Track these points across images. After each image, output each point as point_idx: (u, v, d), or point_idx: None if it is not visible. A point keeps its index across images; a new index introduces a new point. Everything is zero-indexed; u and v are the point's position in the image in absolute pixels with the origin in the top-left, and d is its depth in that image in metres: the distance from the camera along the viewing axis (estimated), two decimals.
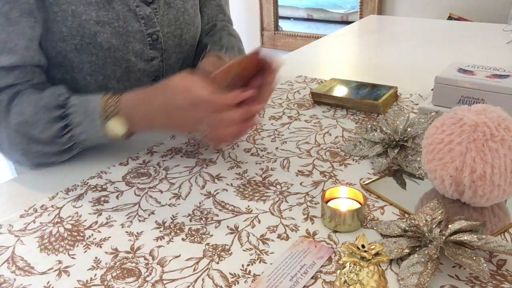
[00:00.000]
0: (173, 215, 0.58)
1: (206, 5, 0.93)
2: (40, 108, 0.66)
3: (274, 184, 0.64)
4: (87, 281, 0.48)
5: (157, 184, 0.65)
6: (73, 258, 0.51)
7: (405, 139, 0.67)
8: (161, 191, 0.63)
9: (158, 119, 0.66)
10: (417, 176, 0.64)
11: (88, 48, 0.73)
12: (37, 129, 0.65)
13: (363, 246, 0.40)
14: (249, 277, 0.47)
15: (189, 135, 0.79)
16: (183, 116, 0.65)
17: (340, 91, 0.91)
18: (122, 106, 0.66)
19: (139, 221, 0.57)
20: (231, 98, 0.63)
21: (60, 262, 0.51)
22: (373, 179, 0.63)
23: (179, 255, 0.51)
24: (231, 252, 0.51)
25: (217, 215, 0.58)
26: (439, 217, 0.50)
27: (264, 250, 0.51)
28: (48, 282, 0.48)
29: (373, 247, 0.40)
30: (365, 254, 0.40)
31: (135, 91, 0.68)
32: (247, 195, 0.61)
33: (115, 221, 0.57)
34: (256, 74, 0.69)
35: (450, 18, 2.48)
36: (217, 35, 0.92)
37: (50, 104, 0.66)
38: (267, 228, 0.55)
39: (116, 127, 0.66)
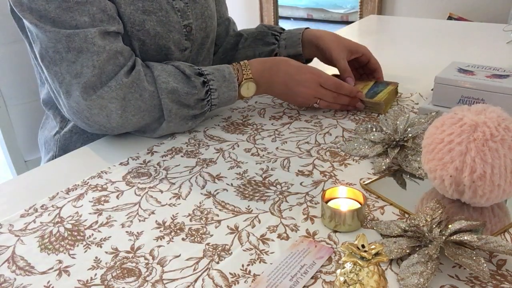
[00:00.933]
0: (173, 215, 0.58)
1: (217, 4, 1.01)
2: (184, 76, 0.75)
3: (274, 184, 0.64)
4: (87, 280, 0.48)
5: (157, 184, 0.65)
6: (73, 257, 0.51)
7: (405, 139, 0.67)
8: (161, 191, 0.63)
9: (278, 87, 0.83)
10: (417, 176, 0.64)
11: (137, 34, 0.78)
12: (187, 96, 0.74)
13: (363, 246, 0.40)
14: (249, 277, 0.47)
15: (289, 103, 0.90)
16: (302, 91, 0.83)
17: None
18: (253, 71, 0.80)
19: (139, 221, 0.57)
20: (353, 90, 0.85)
21: (60, 261, 0.51)
22: (373, 179, 0.63)
23: (179, 255, 0.51)
24: (231, 252, 0.51)
25: (217, 215, 0.58)
26: (439, 217, 0.50)
27: (264, 250, 0.51)
28: (48, 282, 0.48)
29: (373, 247, 0.40)
30: (365, 254, 0.40)
31: (261, 60, 0.83)
32: (247, 195, 0.61)
33: (115, 221, 0.57)
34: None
35: (450, 18, 2.48)
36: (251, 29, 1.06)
37: (191, 72, 0.76)
38: (267, 228, 0.55)
39: (247, 90, 0.81)
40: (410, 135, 0.67)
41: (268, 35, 1.00)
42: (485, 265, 0.44)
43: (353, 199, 0.56)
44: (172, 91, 0.73)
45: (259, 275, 0.47)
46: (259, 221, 0.56)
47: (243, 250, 0.51)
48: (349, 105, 0.85)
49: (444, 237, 0.47)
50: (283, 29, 1.01)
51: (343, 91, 0.84)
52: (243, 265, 0.49)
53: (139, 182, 0.66)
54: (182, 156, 0.72)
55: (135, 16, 0.76)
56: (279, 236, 0.53)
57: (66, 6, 0.67)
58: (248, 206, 0.59)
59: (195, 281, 0.47)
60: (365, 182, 0.63)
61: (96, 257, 0.51)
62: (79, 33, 0.68)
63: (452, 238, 0.47)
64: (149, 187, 0.64)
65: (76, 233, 0.55)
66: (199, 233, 0.54)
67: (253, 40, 1.02)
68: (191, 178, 0.66)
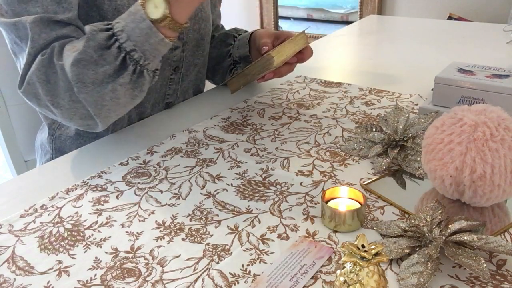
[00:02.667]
0: (173, 215, 0.58)
1: (212, 12, 1.00)
2: (85, 29, 0.66)
3: (274, 184, 0.64)
4: (87, 281, 0.48)
5: (157, 184, 0.65)
6: (73, 258, 0.51)
7: (405, 139, 0.67)
8: (161, 191, 0.63)
9: None
10: (417, 176, 0.63)
11: None
12: (84, 46, 0.63)
13: (363, 246, 0.40)
14: (249, 277, 0.47)
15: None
16: None
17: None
18: None
19: (139, 221, 0.57)
20: None
21: (60, 262, 0.51)
22: (373, 179, 0.63)
23: (179, 255, 0.51)
24: (231, 252, 0.51)
25: (217, 215, 0.58)
26: (439, 217, 0.50)
27: (264, 250, 0.51)
28: (48, 282, 0.48)
29: (373, 247, 0.40)
30: (365, 254, 0.40)
31: None
32: (247, 195, 0.61)
33: (115, 221, 0.57)
34: None
35: (450, 18, 2.48)
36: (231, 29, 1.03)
37: (96, 24, 0.66)
38: (267, 228, 0.55)
39: (156, 8, 0.63)
40: (410, 135, 0.67)
41: (230, 37, 1.00)
42: (485, 265, 0.44)
43: (353, 199, 0.56)
44: (73, 53, 0.63)
45: (259, 275, 0.47)
46: (259, 221, 0.56)
47: (243, 250, 0.51)
48: None
49: (444, 237, 0.47)
50: (246, 32, 1.01)
51: None
52: (243, 265, 0.49)
53: (139, 182, 0.66)
54: (182, 156, 0.72)
55: (120, 12, 0.73)
56: (279, 236, 0.53)
57: None
58: (248, 206, 0.59)
59: (195, 281, 0.47)
60: (365, 182, 0.63)
61: (96, 257, 0.51)
62: (21, 21, 0.65)
63: (452, 238, 0.47)
64: (149, 187, 0.64)
65: (76, 233, 0.55)
66: (199, 233, 0.54)
67: (218, 41, 1.02)
68: (191, 178, 0.66)
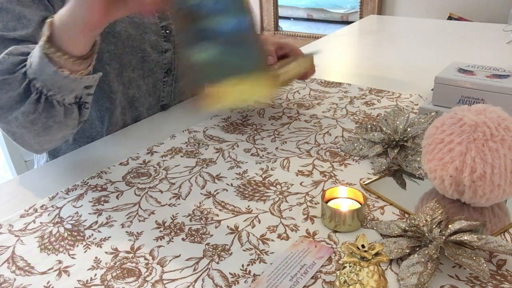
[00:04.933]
0: (173, 215, 0.58)
1: None
2: (9, 50, 0.60)
3: (274, 184, 0.64)
4: (87, 281, 0.48)
5: (157, 184, 0.65)
6: (73, 258, 0.51)
7: (405, 139, 0.67)
8: (161, 191, 0.63)
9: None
10: (417, 176, 0.64)
11: (107, 37, 0.75)
12: None
13: (363, 246, 0.40)
14: (249, 277, 0.47)
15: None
16: None
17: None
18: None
19: (139, 221, 0.57)
20: None
21: (60, 262, 0.51)
22: (373, 179, 0.63)
23: (179, 255, 0.51)
24: (231, 252, 0.51)
25: (217, 215, 0.58)
26: (439, 217, 0.50)
27: (264, 250, 0.51)
28: (48, 282, 0.48)
29: (373, 247, 0.40)
30: (365, 254, 0.40)
31: None
32: (247, 195, 0.61)
33: (115, 221, 0.57)
34: None
35: (450, 18, 2.48)
36: None
37: (31, 46, 0.61)
38: (267, 228, 0.55)
39: (43, 36, 0.57)
40: (410, 135, 0.67)
41: None
42: (485, 265, 0.44)
43: (353, 199, 0.56)
44: None
45: (259, 275, 0.47)
46: (259, 221, 0.56)
47: (243, 250, 0.51)
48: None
49: (444, 237, 0.47)
50: None
51: None
52: (243, 265, 0.49)
53: (139, 182, 0.66)
54: (182, 156, 0.72)
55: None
56: (279, 236, 0.53)
57: None
58: (248, 206, 0.59)
59: (195, 281, 0.47)
60: (365, 182, 0.63)
61: (96, 257, 0.51)
62: None
63: (452, 238, 0.47)
64: (149, 187, 0.64)
65: (76, 233, 0.55)
66: (199, 233, 0.54)
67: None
68: (191, 178, 0.66)
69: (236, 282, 0.47)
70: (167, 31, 0.83)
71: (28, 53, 0.61)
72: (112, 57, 0.77)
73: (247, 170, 0.68)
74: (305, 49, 0.89)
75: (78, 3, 0.55)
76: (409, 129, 0.68)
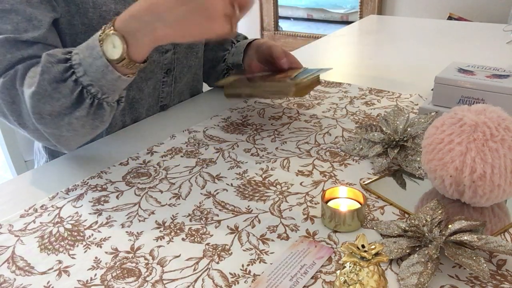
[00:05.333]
0: (173, 215, 0.58)
1: None
2: (42, 58, 0.62)
3: (274, 184, 0.64)
4: (87, 281, 0.48)
5: (157, 184, 0.65)
6: (73, 258, 0.51)
7: (405, 139, 0.67)
8: (161, 191, 0.63)
9: (165, 15, 0.57)
10: (417, 176, 0.64)
11: None
12: (42, 80, 0.60)
13: (363, 246, 0.40)
14: (249, 277, 0.47)
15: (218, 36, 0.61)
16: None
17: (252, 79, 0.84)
18: (116, 20, 0.60)
19: (139, 221, 0.57)
20: None
21: (60, 262, 0.51)
22: (373, 179, 0.63)
23: (179, 255, 0.51)
24: (231, 252, 0.51)
25: (217, 215, 0.58)
26: (439, 217, 0.50)
27: (264, 250, 0.51)
28: (48, 282, 0.48)
29: (373, 247, 0.40)
30: (365, 254, 0.40)
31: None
32: (247, 195, 0.61)
33: (115, 221, 0.57)
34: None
35: (450, 18, 2.48)
36: None
37: (56, 51, 0.63)
38: (267, 228, 0.55)
39: (114, 49, 0.59)
40: (410, 135, 0.67)
41: (228, 42, 0.98)
42: (485, 265, 0.44)
43: (353, 199, 0.56)
44: (30, 84, 0.61)
45: (259, 275, 0.47)
46: (259, 221, 0.56)
47: (243, 250, 0.51)
48: None
49: (444, 237, 0.47)
50: (246, 38, 0.99)
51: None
52: (243, 265, 0.49)
53: (139, 182, 0.66)
54: (182, 156, 0.72)
55: (106, 19, 0.73)
56: (279, 236, 0.53)
57: None
58: (248, 206, 0.59)
59: (195, 281, 0.47)
60: (365, 182, 0.63)
61: (96, 257, 0.51)
62: None
63: (452, 238, 0.47)
64: (149, 187, 0.64)
65: (76, 233, 0.55)
66: (199, 233, 0.54)
67: (216, 44, 1.00)
68: (191, 178, 0.66)
69: (236, 282, 0.47)
70: None
71: (66, 59, 0.61)
72: None
73: (247, 170, 0.68)
74: (318, 65, 0.89)
75: (162, 20, 0.57)
76: (409, 129, 0.68)
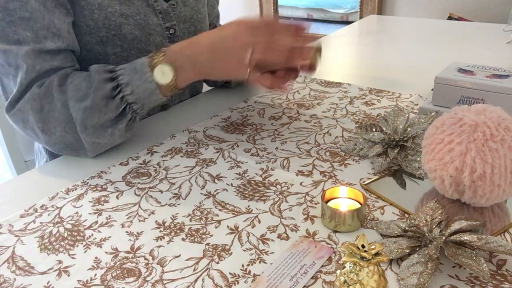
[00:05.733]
0: (173, 215, 0.58)
1: (210, 13, 1.00)
2: (92, 76, 0.68)
3: (274, 184, 0.64)
4: (87, 281, 0.48)
5: (157, 184, 0.65)
6: (73, 258, 0.51)
7: (405, 139, 0.67)
8: (161, 191, 0.63)
9: (203, 59, 0.68)
10: (417, 176, 0.64)
11: (113, 40, 0.76)
12: (91, 95, 0.67)
13: (363, 246, 0.40)
14: (249, 277, 0.47)
15: (237, 78, 0.74)
16: (231, 49, 0.66)
17: None
18: (167, 53, 0.69)
19: (139, 221, 0.57)
20: (286, 25, 0.68)
21: (60, 262, 0.51)
22: (373, 179, 0.63)
23: (179, 255, 0.51)
24: (231, 252, 0.51)
25: (217, 215, 0.58)
26: (439, 217, 0.50)
27: (264, 250, 0.51)
28: (48, 282, 0.48)
29: (373, 247, 0.40)
30: (365, 254, 0.40)
31: (180, 41, 0.71)
32: (247, 195, 0.61)
33: (115, 221, 0.57)
34: None
35: (450, 18, 2.48)
36: None
37: (100, 69, 0.69)
38: (267, 228, 0.55)
39: (164, 74, 0.68)
40: (410, 135, 0.67)
41: None
42: (485, 265, 0.44)
43: (353, 199, 0.56)
44: (80, 98, 0.67)
45: (259, 275, 0.47)
46: (259, 221, 0.56)
47: (243, 250, 0.51)
48: (295, 55, 0.67)
49: (444, 237, 0.47)
50: None
51: (277, 26, 0.67)
52: (243, 265, 0.49)
53: (139, 182, 0.66)
54: (182, 156, 0.72)
55: (111, 20, 0.74)
56: (279, 236, 0.53)
57: (9, 20, 0.66)
58: (248, 206, 0.59)
59: (195, 281, 0.47)
60: (365, 182, 0.63)
61: (96, 257, 0.51)
62: (12, 50, 0.67)
63: (452, 238, 0.47)
64: (149, 187, 0.64)
65: (76, 233, 0.55)
66: (199, 233, 0.54)
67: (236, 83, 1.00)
68: (191, 178, 0.66)
69: (236, 282, 0.47)
70: (172, 32, 0.83)
71: (113, 78, 0.68)
72: (118, 60, 0.78)
73: (247, 170, 0.68)
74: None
75: (199, 61, 0.68)
76: (409, 129, 0.68)
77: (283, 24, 0.68)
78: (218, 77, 0.75)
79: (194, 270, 0.49)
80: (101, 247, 0.53)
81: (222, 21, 1.10)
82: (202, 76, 0.73)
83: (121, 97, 0.68)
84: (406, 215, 0.56)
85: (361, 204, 0.54)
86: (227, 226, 0.55)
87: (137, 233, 0.55)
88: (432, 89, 0.80)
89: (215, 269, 0.49)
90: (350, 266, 0.41)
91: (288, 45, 0.66)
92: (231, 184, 0.64)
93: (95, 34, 0.75)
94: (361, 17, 2.96)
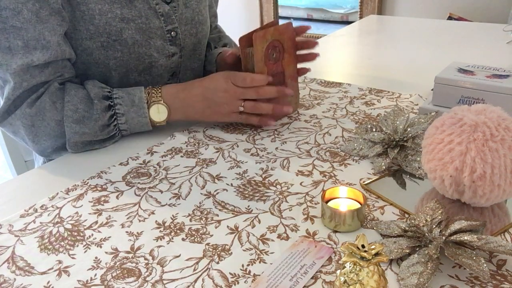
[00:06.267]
0: (173, 215, 0.58)
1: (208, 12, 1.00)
2: (91, 100, 0.72)
3: (274, 184, 0.64)
4: (87, 281, 0.48)
5: (157, 184, 0.65)
6: (73, 258, 0.51)
7: (405, 139, 0.67)
8: (161, 191, 0.63)
9: (196, 104, 0.76)
10: (417, 176, 0.64)
11: (114, 45, 0.76)
12: (91, 124, 0.71)
13: (363, 246, 0.40)
14: (249, 277, 0.47)
15: (226, 122, 0.82)
16: (222, 96, 0.76)
17: None
18: (164, 93, 0.75)
19: (139, 221, 0.57)
20: (261, 79, 0.76)
21: (60, 262, 0.51)
22: (373, 179, 0.63)
23: (179, 255, 0.51)
24: (231, 252, 0.51)
25: (217, 215, 0.58)
26: (439, 217, 0.50)
27: (264, 250, 0.51)
28: (48, 282, 0.48)
29: (373, 247, 0.40)
30: (365, 254, 0.40)
31: (175, 84, 0.80)
32: (247, 195, 0.61)
33: (115, 221, 0.57)
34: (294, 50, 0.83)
35: (450, 18, 2.48)
36: (215, 34, 1.04)
37: (99, 95, 0.73)
38: (267, 228, 0.55)
39: (158, 114, 0.76)
40: (410, 135, 0.67)
41: (208, 46, 0.99)
42: (485, 265, 0.44)
43: (353, 199, 0.56)
44: (77, 121, 0.71)
45: (259, 275, 0.47)
46: (259, 221, 0.56)
47: (243, 250, 0.51)
48: (278, 102, 0.78)
49: (444, 237, 0.47)
50: (225, 45, 1.01)
51: (253, 82, 0.75)
52: (243, 265, 0.49)
53: (139, 182, 0.66)
54: (182, 156, 0.72)
55: (111, 26, 0.74)
56: (279, 236, 0.53)
57: (2, 27, 0.66)
58: (248, 206, 0.59)
59: (195, 281, 0.47)
60: (365, 182, 0.63)
61: (96, 257, 0.51)
62: (2, 64, 0.68)
63: (452, 238, 0.47)
64: (149, 187, 0.64)
65: (76, 233, 0.55)
66: (199, 233, 0.54)
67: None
68: (191, 178, 0.66)
69: (236, 282, 0.47)
70: (173, 35, 0.82)
71: (110, 106, 0.73)
72: (119, 64, 0.78)
73: (247, 170, 0.68)
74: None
75: (191, 107, 0.77)
76: (409, 129, 0.68)
77: (255, 76, 0.76)
78: (207, 121, 0.82)
79: (194, 270, 0.49)
80: (101, 247, 0.53)
81: (222, 21, 1.10)
82: (192, 120, 0.80)
83: (115, 125, 0.74)
84: (406, 215, 0.56)
85: (361, 204, 0.54)
86: (227, 226, 0.55)
87: (137, 233, 0.55)
88: (432, 89, 0.80)
89: (215, 269, 0.49)
90: (350, 266, 0.41)
91: (274, 95, 0.77)
92: (231, 184, 0.64)
93: (96, 39, 0.75)
94: (361, 17, 2.96)
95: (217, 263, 0.49)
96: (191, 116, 0.78)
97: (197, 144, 0.76)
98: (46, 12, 0.68)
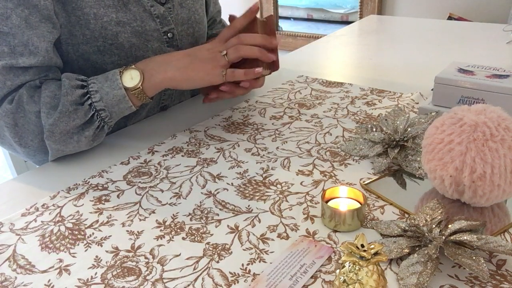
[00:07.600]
0: (173, 214, 0.58)
1: (208, 10, 1.00)
2: (63, 81, 0.69)
3: (275, 184, 0.64)
4: (87, 279, 0.48)
5: (158, 183, 0.65)
6: (74, 256, 0.52)
7: (405, 139, 0.67)
8: (162, 190, 0.63)
9: (176, 62, 0.72)
10: (417, 176, 0.64)
11: (110, 49, 0.76)
12: (61, 100, 0.67)
13: (362, 245, 0.40)
14: (249, 276, 0.47)
15: (208, 84, 0.76)
16: (206, 56, 0.73)
17: None
18: (137, 63, 0.72)
19: (140, 220, 0.57)
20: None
21: (61, 260, 0.51)
22: (373, 179, 0.63)
23: (179, 254, 0.51)
24: (231, 251, 0.51)
25: (218, 214, 0.58)
26: (439, 217, 0.50)
27: (264, 249, 0.51)
28: (49, 281, 0.48)
29: (372, 246, 0.40)
30: (364, 253, 0.40)
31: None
32: (247, 195, 0.62)
33: (116, 220, 0.58)
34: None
35: (450, 18, 2.48)
36: (221, 29, 1.02)
37: (72, 76, 0.70)
38: (267, 227, 0.55)
39: (132, 80, 0.70)
40: (410, 135, 0.67)
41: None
42: (484, 265, 0.44)
43: (353, 199, 0.56)
44: (53, 106, 0.67)
45: (259, 274, 0.48)
46: (259, 221, 0.56)
47: (243, 250, 0.51)
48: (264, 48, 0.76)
49: (444, 237, 0.47)
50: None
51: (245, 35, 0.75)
52: (243, 265, 0.49)
53: (139, 182, 0.66)
54: (182, 156, 0.73)
55: (107, 29, 0.74)
56: (279, 235, 0.53)
57: None
58: (248, 205, 0.59)
59: (195, 280, 0.47)
60: (365, 182, 0.63)
61: (97, 256, 0.51)
62: None
63: (452, 238, 0.47)
64: (150, 187, 0.64)
65: (76, 232, 0.56)
66: (199, 233, 0.54)
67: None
68: (191, 177, 0.66)
69: (236, 281, 0.47)
70: (170, 36, 0.82)
71: (83, 86, 0.69)
72: (115, 68, 0.76)
73: (247, 169, 0.68)
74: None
75: (172, 65, 0.72)
76: (409, 129, 0.68)
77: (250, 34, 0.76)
78: (190, 82, 0.74)
79: (194, 269, 0.49)
80: (101, 246, 0.53)
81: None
82: (173, 82, 0.73)
83: (90, 104, 0.69)
84: (406, 215, 0.56)
85: (361, 204, 0.54)
86: (227, 226, 0.55)
87: (138, 232, 0.55)
88: (432, 89, 0.80)
89: (215, 268, 0.49)
90: (349, 266, 0.41)
91: (258, 41, 0.75)
92: (232, 183, 0.64)
93: (92, 43, 0.74)
94: (361, 17, 2.96)
95: (217, 262, 0.50)
96: (172, 77, 0.72)
97: (198, 144, 0.76)
98: (36, 19, 0.67)
